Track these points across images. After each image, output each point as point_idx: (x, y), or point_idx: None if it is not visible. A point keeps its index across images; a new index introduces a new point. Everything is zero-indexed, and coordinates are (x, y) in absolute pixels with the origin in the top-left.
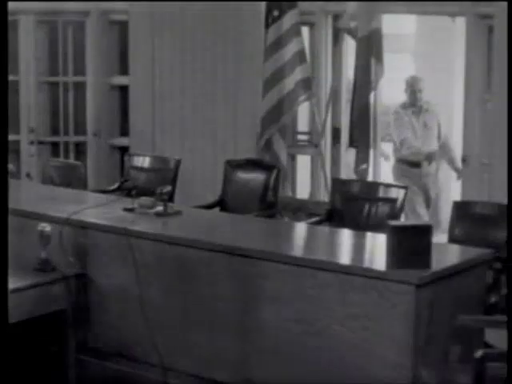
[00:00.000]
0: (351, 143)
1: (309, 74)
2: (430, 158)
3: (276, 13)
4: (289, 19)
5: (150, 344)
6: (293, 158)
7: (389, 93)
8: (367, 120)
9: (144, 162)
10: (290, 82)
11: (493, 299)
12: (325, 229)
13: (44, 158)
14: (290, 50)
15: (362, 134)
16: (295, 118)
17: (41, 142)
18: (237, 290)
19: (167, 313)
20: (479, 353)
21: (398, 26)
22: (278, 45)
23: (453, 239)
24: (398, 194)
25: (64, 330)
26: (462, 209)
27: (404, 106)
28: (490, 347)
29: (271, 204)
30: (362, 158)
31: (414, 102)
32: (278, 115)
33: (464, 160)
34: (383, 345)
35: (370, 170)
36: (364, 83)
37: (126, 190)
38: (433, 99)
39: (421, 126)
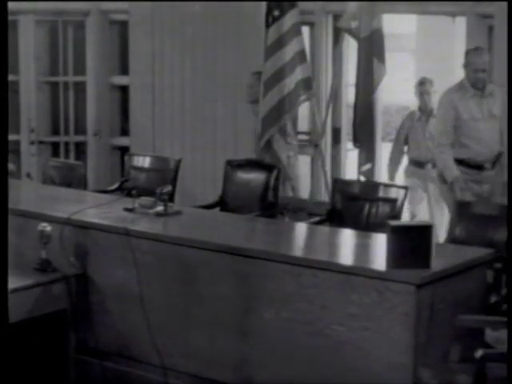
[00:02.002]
0: (354, 143)
1: (309, 73)
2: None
3: (277, 12)
4: (289, 19)
5: (150, 344)
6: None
7: (390, 92)
8: (370, 120)
9: (144, 161)
10: (291, 81)
11: (493, 299)
12: (325, 229)
13: (44, 157)
14: (290, 50)
15: (365, 134)
16: (295, 118)
17: (41, 142)
18: (237, 289)
19: (167, 313)
20: (479, 353)
21: (398, 25)
22: (278, 44)
23: (453, 239)
24: (398, 194)
25: (64, 329)
26: (462, 209)
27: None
28: (490, 347)
29: (271, 204)
30: (366, 158)
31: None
32: (278, 115)
33: None
34: (383, 345)
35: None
36: (366, 83)
37: (127, 189)
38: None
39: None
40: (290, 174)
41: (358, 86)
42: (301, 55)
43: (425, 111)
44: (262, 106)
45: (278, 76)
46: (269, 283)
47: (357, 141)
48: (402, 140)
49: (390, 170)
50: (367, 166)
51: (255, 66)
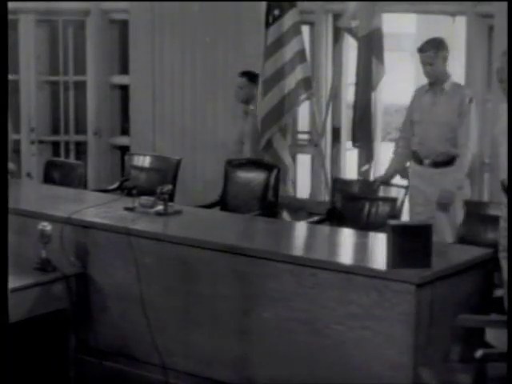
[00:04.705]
0: (354, 143)
1: (309, 73)
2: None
3: (277, 12)
4: (289, 18)
5: (151, 344)
6: (293, 157)
7: (390, 92)
8: (369, 120)
9: (144, 161)
10: (291, 81)
11: (493, 299)
12: (325, 228)
13: (44, 157)
14: (290, 50)
15: (364, 134)
16: (295, 118)
17: (41, 142)
18: (237, 289)
19: (168, 312)
20: (479, 353)
21: (398, 25)
22: (278, 44)
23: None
24: (398, 193)
25: (64, 329)
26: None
27: None
28: (490, 347)
29: (271, 203)
30: (365, 158)
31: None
32: (278, 115)
33: None
34: (383, 344)
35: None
36: (365, 83)
37: (127, 189)
38: None
39: None
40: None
41: (357, 85)
42: (301, 55)
43: (434, 84)
44: (262, 106)
45: (279, 75)
46: (269, 283)
47: (356, 140)
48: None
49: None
50: (366, 167)
51: (255, 65)
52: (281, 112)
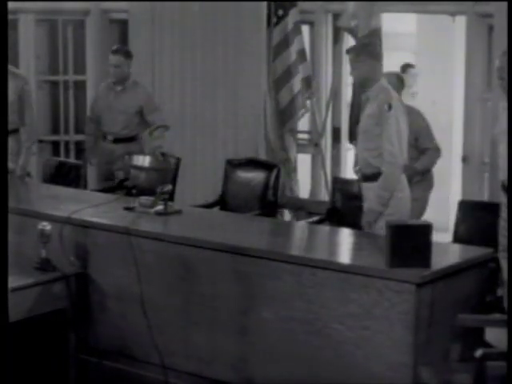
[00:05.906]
0: (350, 141)
1: (309, 72)
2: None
3: (281, 12)
4: (291, 18)
5: (151, 343)
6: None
7: None
8: None
9: (144, 161)
10: (297, 81)
11: (493, 298)
12: (325, 228)
13: (44, 156)
14: (293, 49)
15: None
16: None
17: (41, 141)
18: (237, 288)
19: (168, 312)
20: (479, 352)
21: (398, 24)
22: (285, 44)
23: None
24: None
25: (64, 329)
26: (464, 208)
27: None
28: (490, 347)
29: (271, 203)
30: None
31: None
32: (290, 114)
33: (464, 159)
34: (383, 344)
35: None
36: None
37: (127, 189)
38: (433, 99)
39: None
40: (294, 174)
41: (354, 84)
42: (301, 54)
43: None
44: (274, 106)
45: (287, 75)
46: (269, 282)
47: (352, 139)
48: None
49: None
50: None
51: (255, 65)
52: (292, 111)
